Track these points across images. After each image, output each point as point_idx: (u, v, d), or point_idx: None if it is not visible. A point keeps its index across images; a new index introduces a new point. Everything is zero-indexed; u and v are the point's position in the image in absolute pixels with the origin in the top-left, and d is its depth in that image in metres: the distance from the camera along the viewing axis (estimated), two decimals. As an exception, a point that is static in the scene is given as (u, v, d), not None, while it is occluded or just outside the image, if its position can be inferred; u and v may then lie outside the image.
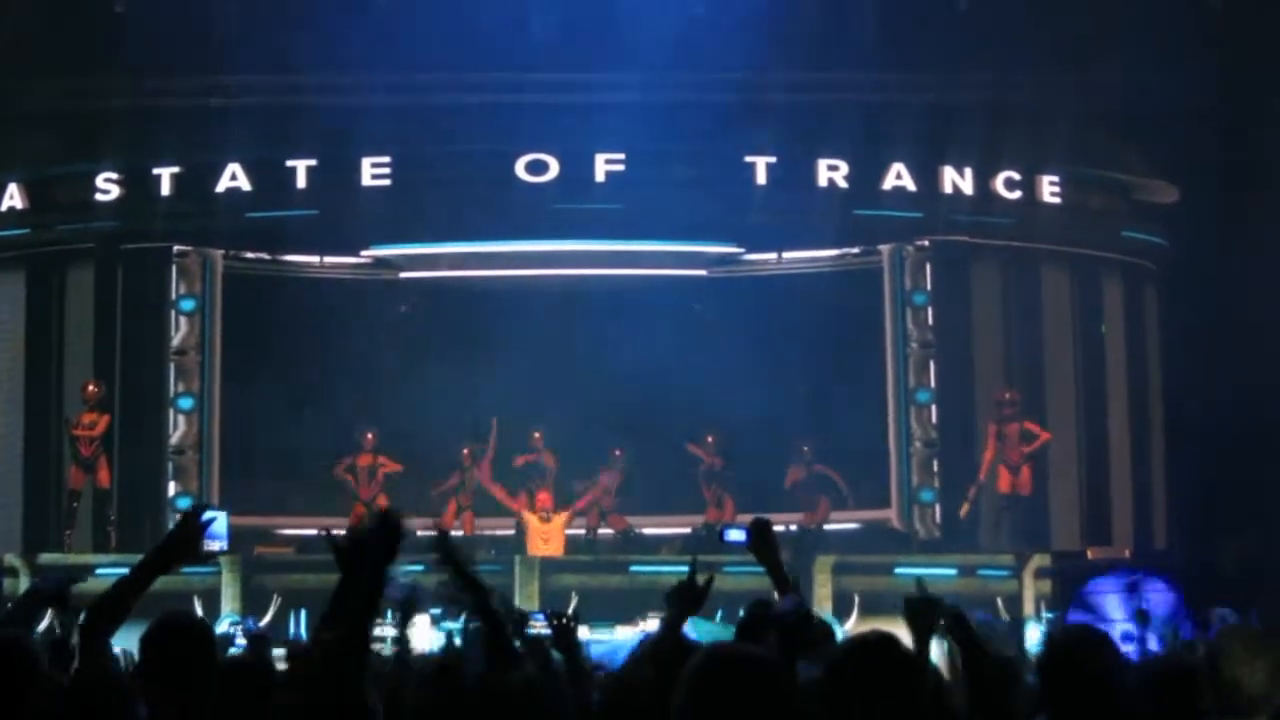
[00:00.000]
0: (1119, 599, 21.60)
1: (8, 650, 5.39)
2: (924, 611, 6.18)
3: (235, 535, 21.80)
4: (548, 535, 22.67)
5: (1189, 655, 8.27)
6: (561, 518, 22.94)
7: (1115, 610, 21.09)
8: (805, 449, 23.51)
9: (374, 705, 4.57)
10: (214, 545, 5.17)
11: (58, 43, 22.96)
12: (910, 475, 24.51)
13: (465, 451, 23.52)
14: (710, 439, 23.66)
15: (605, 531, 23.75)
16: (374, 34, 22.91)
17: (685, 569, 6.93)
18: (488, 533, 23.86)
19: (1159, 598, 21.61)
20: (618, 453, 23.84)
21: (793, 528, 23.15)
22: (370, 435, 23.50)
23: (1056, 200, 24.84)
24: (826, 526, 23.68)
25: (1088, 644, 5.60)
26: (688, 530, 23.81)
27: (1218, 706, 5.44)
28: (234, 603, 20.80)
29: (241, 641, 16.54)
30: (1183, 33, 22.62)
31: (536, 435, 23.93)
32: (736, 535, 7.34)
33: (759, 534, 7.19)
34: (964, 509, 23.59)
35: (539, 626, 7.88)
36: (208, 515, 6.02)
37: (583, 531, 23.55)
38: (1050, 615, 21.04)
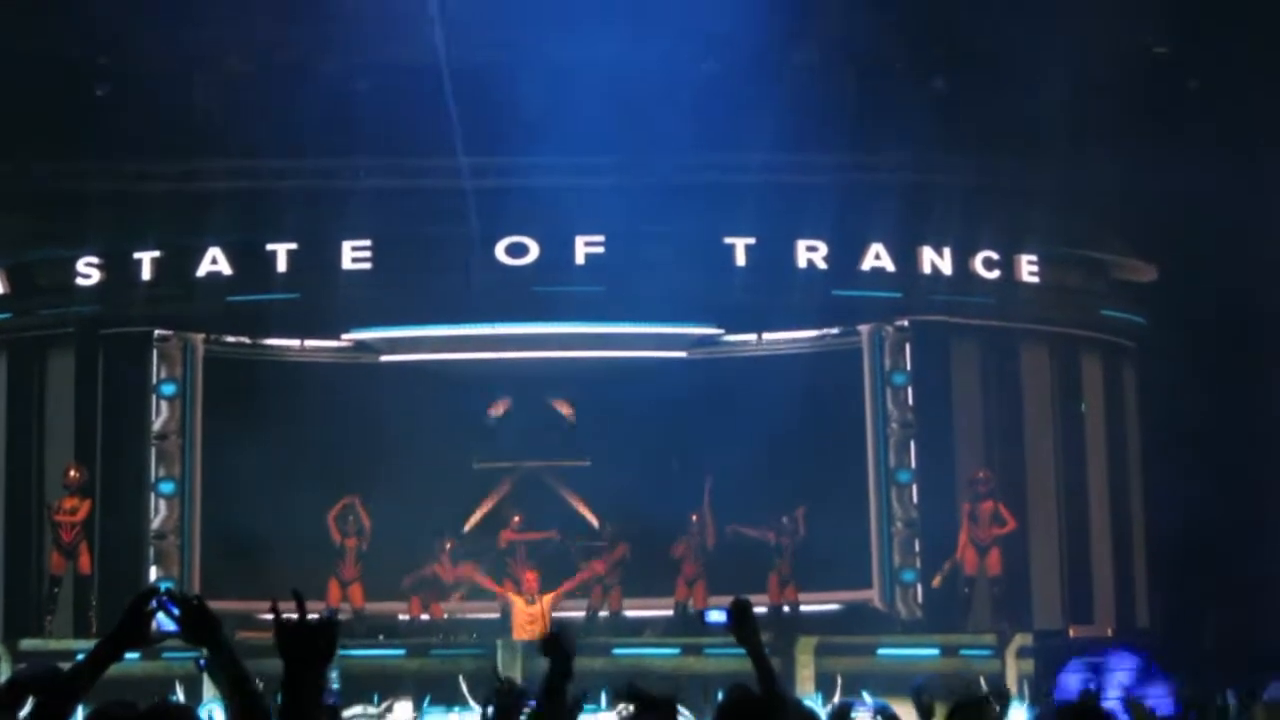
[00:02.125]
0: (1080, 679, 21.57)
1: None
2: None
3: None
4: (533, 617, 22.51)
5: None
6: (547, 600, 22.83)
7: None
8: (785, 519, 23.39)
9: None
10: (168, 628, 5.06)
11: (38, 126, 23.02)
12: (892, 555, 24.46)
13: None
14: (695, 517, 23.59)
15: (604, 614, 23.57)
16: (354, 118, 23.01)
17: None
18: (471, 616, 23.76)
19: (1125, 674, 21.57)
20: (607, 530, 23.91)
21: (785, 609, 23.12)
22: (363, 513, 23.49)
23: (1035, 279, 24.93)
24: (805, 608, 23.53)
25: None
26: (670, 612, 23.68)
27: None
28: (216, 689, 20.62)
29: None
30: (1158, 114, 22.80)
31: (515, 519, 23.94)
32: (718, 617, 7.29)
33: (740, 615, 7.16)
34: (937, 580, 23.60)
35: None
36: (155, 600, 5.79)
37: (581, 614, 23.43)
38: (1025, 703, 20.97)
